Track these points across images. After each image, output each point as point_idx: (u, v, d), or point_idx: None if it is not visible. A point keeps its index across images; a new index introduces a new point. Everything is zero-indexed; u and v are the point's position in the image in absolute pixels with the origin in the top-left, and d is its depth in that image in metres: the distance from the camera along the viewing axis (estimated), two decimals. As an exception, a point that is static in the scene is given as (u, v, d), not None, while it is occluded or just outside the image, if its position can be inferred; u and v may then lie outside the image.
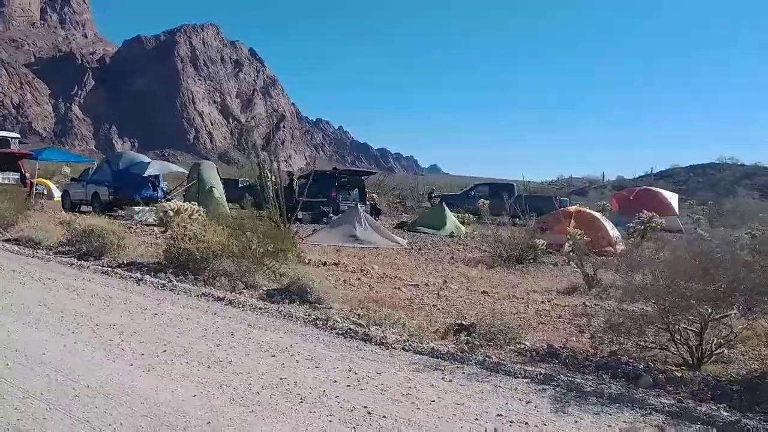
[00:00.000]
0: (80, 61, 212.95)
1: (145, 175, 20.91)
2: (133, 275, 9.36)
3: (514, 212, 30.03)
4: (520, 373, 5.34)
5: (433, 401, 4.69)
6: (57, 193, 32.27)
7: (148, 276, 9.24)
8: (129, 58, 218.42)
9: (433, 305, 8.74)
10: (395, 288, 10.05)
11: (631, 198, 29.72)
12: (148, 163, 22.09)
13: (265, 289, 8.81)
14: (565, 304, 9.31)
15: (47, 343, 5.78)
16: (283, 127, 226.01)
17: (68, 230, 12.72)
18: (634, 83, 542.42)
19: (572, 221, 17.02)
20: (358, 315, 7.45)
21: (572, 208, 18.14)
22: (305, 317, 7.15)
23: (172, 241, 9.90)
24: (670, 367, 5.64)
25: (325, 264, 12.01)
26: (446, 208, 22.56)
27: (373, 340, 6.25)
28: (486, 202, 28.59)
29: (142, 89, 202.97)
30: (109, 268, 10.01)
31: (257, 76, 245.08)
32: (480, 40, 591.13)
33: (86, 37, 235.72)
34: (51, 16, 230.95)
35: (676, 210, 28.88)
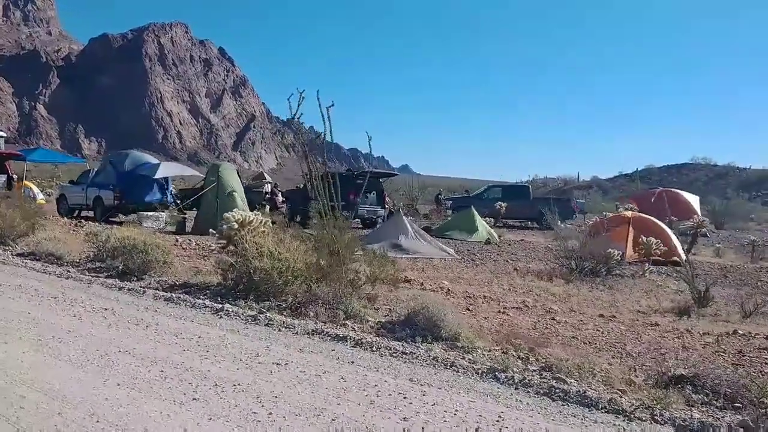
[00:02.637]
0: (45, 59, 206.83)
1: (156, 177, 18.94)
2: (207, 304, 7.59)
3: (531, 215, 28.89)
4: None
5: None
6: (40, 196, 30.14)
7: (227, 305, 7.50)
8: (95, 56, 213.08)
9: (573, 337, 7.23)
10: (498, 312, 8.54)
11: (651, 200, 28.68)
12: (158, 164, 20.02)
13: (374, 320, 7.17)
14: (717, 332, 7.88)
15: (171, 420, 4.10)
16: (254, 127, 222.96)
17: (94, 243, 10.92)
18: (605, 84, 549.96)
19: (631, 227, 15.69)
20: (520, 357, 5.91)
21: (628, 213, 16.75)
22: (472, 366, 5.52)
23: (242, 260, 8.21)
24: None
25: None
26: (475, 212, 21.05)
27: (600, 406, 4.64)
28: (504, 204, 27.22)
29: (109, 88, 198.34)
30: (170, 293, 8.25)
31: (227, 75, 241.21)
32: (450, 40, 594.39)
33: (51, 34, 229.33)
34: (14, 14, 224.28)
35: (698, 212, 27.90)
